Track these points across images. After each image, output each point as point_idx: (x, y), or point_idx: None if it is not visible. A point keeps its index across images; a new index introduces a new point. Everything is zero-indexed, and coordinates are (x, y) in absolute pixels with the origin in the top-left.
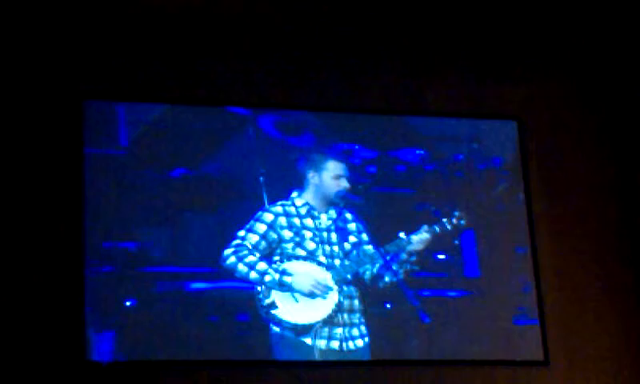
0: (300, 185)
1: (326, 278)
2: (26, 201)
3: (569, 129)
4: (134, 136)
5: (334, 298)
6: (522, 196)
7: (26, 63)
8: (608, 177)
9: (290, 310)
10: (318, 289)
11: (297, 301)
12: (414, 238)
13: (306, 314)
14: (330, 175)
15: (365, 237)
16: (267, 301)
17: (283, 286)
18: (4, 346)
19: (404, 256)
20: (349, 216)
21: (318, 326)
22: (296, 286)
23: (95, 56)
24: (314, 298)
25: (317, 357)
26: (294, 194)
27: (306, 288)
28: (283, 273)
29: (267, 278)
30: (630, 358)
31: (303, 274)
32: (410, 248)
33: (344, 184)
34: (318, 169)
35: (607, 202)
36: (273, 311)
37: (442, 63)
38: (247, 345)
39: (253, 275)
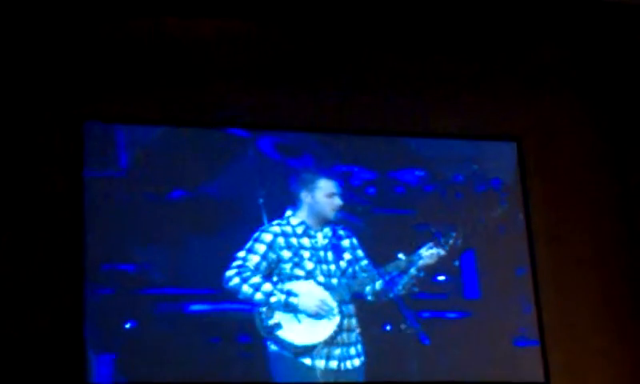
0: (294, 204)
1: (327, 297)
2: (26, 223)
3: (569, 149)
4: (133, 158)
5: (336, 318)
6: (521, 217)
7: (26, 85)
8: (609, 197)
9: (293, 330)
10: (324, 310)
11: (300, 322)
12: (424, 252)
13: (308, 335)
14: (323, 194)
15: (359, 253)
16: (271, 321)
17: (289, 307)
18: (4, 368)
19: (414, 272)
20: (342, 233)
21: (320, 346)
22: (302, 306)
23: (95, 78)
24: (319, 319)
25: (317, 377)
26: (289, 213)
27: (312, 309)
28: (289, 294)
29: (273, 299)
30: (633, 379)
31: (308, 295)
32: (420, 263)
33: (337, 202)
34: (311, 188)
35: (609, 222)
36: (277, 332)
37: (440, 85)
38: (248, 366)
39: (258, 296)
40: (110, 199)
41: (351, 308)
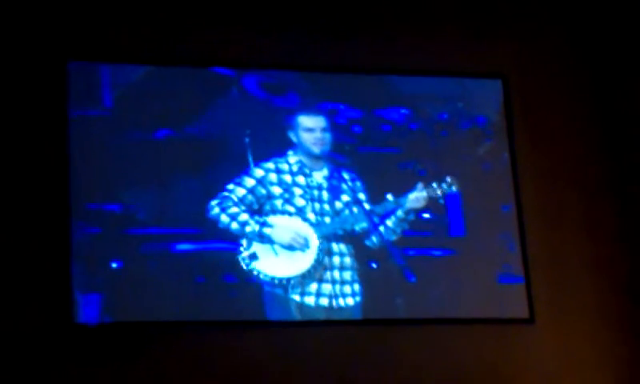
0: (293, 146)
1: (308, 233)
2: (10, 163)
3: (554, 86)
4: (118, 97)
5: (312, 253)
6: (506, 155)
7: (8, 24)
8: (594, 134)
9: (269, 262)
10: (297, 242)
11: (277, 254)
12: (411, 196)
13: (284, 268)
14: (302, 129)
15: (361, 196)
16: (248, 252)
17: (263, 238)
18: None
19: (401, 215)
20: (346, 176)
21: (296, 280)
22: (275, 237)
23: (79, 17)
24: (292, 250)
25: (306, 314)
26: (290, 152)
27: (285, 240)
28: (264, 224)
29: (248, 229)
30: (616, 314)
31: (283, 227)
32: (407, 206)
33: (317, 135)
34: (293, 127)
35: (594, 159)
36: (253, 262)
37: (425, 21)
38: (234, 305)
39: (234, 226)
40: (95, 139)
41: (344, 246)
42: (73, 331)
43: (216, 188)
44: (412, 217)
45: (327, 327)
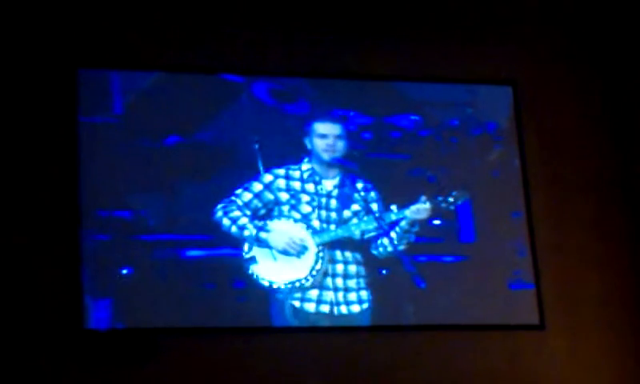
0: (308, 153)
1: (307, 239)
2: (21, 170)
3: (564, 92)
4: (128, 104)
5: (310, 259)
6: (517, 161)
7: (19, 31)
8: (604, 139)
9: (268, 267)
10: (293, 248)
11: (275, 259)
12: (412, 208)
13: (282, 273)
14: (316, 136)
15: (373, 206)
16: (248, 255)
17: (260, 242)
18: (2, 315)
19: (405, 226)
20: (359, 185)
21: (295, 285)
22: (271, 242)
23: (89, 24)
24: (288, 255)
25: (304, 320)
26: (305, 159)
27: (280, 246)
28: (261, 229)
29: (246, 233)
30: (626, 320)
31: (279, 232)
32: (410, 218)
33: (328, 141)
34: (309, 133)
35: (604, 165)
36: (252, 266)
37: (434, 28)
38: (243, 311)
39: (233, 229)
40: (105, 145)
41: (350, 254)
42: (83, 337)
43: (225, 194)
44: (417, 228)
45: (332, 333)
